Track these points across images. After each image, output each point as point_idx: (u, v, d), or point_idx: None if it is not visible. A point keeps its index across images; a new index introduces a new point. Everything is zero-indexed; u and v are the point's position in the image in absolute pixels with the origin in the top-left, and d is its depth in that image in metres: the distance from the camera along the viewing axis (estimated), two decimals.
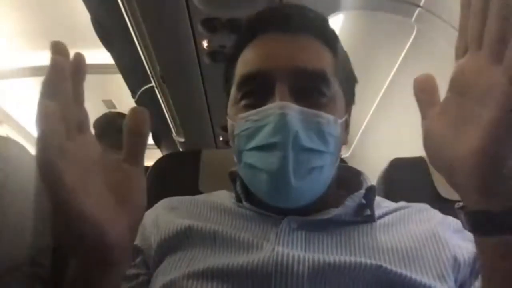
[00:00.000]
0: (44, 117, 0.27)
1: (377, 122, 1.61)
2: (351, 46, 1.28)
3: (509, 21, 0.31)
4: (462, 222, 0.36)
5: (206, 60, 1.29)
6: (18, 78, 2.39)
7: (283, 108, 0.48)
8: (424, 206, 0.58)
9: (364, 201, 0.55)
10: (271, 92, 0.51)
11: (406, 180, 0.96)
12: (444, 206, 0.57)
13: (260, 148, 0.50)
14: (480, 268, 0.39)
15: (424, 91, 0.38)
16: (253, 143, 0.51)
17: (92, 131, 0.79)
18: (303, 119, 0.49)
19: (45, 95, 0.30)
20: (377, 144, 1.72)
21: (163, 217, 0.58)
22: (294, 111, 0.48)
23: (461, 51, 0.36)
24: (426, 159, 0.51)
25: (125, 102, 2.13)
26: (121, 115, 1.63)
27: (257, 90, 0.53)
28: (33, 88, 2.51)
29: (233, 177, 0.62)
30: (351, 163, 0.68)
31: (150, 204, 0.53)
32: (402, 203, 0.60)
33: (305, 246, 0.49)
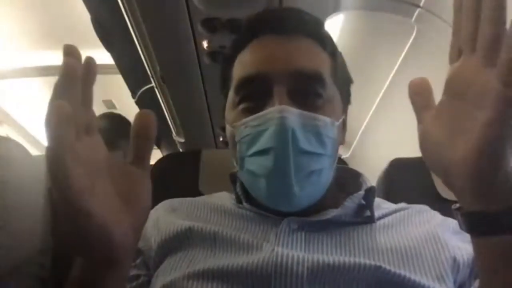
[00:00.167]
0: (56, 117, 0.28)
1: (377, 122, 1.61)
2: (351, 46, 1.28)
3: (501, 24, 0.31)
4: (459, 223, 0.36)
5: (206, 60, 1.29)
6: (18, 78, 2.39)
7: (282, 112, 0.48)
8: (424, 207, 0.59)
9: (363, 202, 0.55)
10: (269, 95, 0.51)
11: (406, 180, 0.96)
12: (444, 206, 0.57)
13: (261, 153, 0.50)
14: (478, 269, 0.40)
15: (419, 94, 0.39)
16: (254, 149, 0.51)
17: None
18: (302, 123, 0.49)
19: (57, 96, 0.30)
20: (377, 145, 1.72)
21: (164, 218, 0.58)
22: (293, 114, 0.49)
23: (455, 54, 0.36)
24: None
25: (125, 102, 2.13)
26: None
27: (255, 93, 0.53)
28: (34, 88, 2.51)
29: (233, 178, 0.62)
30: (351, 164, 0.68)
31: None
32: (402, 205, 0.60)
33: (304, 247, 0.49)
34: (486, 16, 0.31)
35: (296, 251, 0.48)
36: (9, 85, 2.49)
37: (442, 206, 0.59)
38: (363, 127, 1.71)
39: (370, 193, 0.55)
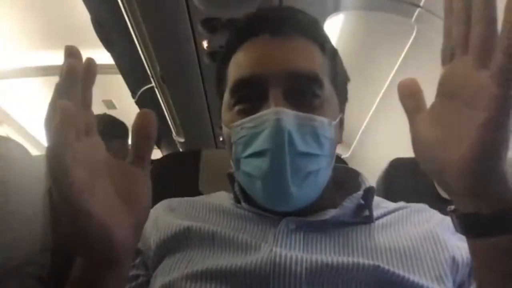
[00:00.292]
0: (58, 117, 0.28)
1: (377, 122, 1.61)
2: (351, 46, 1.28)
3: (493, 24, 0.31)
4: (454, 224, 0.36)
5: (206, 60, 1.29)
6: (18, 78, 2.40)
7: (278, 114, 0.48)
8: (423, 206, 0.58)
9: (362, 202, 0.55)
10: (264, 97, 0.50)
11: (406, 180, 0.96)
12: (444, 206, 0.57)
13: (257, 155, 0.50)
14: (474, 270, 0.40)
15: (409, 96, 0.39)
16: (249, 150, 0.50)
17: None
18: (298, 124, 0.49)
19: (58, 96, 0.31)
20: (377, 144, 1.72)
21: (163, 218, 0.58)
22: (289, 116, 0.48)
23: (447, 56, 0.36)
24: None
25: (125, 102, 2.13)
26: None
27: (251, 95, 0.52)
28: (34, 88, 2.51)
29: (232, 178, 0.62)
30: (351, 164, 0.68)
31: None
32: (401, 204, 0.60)
33: (303, 247, 0.49)
34: (477, 17, 0.31)
35: (295, 251, 0.48)
36: (9, 85, 2.50)
37: (442, 206, 0.59)
38: (363, 127, 1.71)
39: (369, 193, 0.55)
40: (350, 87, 0.63)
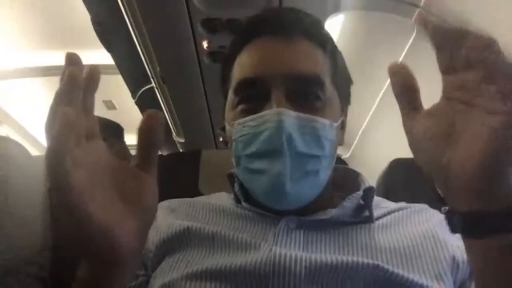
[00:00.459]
0: (58, 123, 0.28)
1: (377, 123, 1.61)
2: (351, 46, 1.28)
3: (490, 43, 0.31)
4: (451, 225, 0.36)
5: (206, 60, 1.29)
6: (18, 78, 2.40)
7: (280, 115, 0.49)
8: (424, 206, 0.58)
9: (362, 202, 0.55)
10: (267, 97, 0.51)
11: (406, 180, 0.96)
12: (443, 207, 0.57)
13: (257, 154, 0.50)
14: (474, 272, 0.39)
15: (405, 95, 0.38)
16: (250, 149, 0.51)
17: None
18: (299, 125, 0.49)
19: (59, 102, 0.31)
20: (377, 145, 1.72)
21: (162, 218, 0.58)
22: (290, 117, 0.49)
23: (445, 67, 0.35)
24: None
25: (125, 102, 2.13)
26: None
27: (254, 95, 0.53)
28: (34, 88, 2.51)
29: (232, 178, 0.62)
30: (351, 164, 0.68)
31: None
32: (401, 204, 0.60)
33: (303, 246, 0.49)
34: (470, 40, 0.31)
35: (294, 250, 0.48)
36: (9, 85, 2.50)
37: (442, 206, 0.59)
38: (363, 127, 1.71)
39: (369, 193, 0.55)
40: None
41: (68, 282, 0.38)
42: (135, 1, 1.05)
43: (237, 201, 0.59)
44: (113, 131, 1.47)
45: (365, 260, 0.46)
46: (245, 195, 0.58)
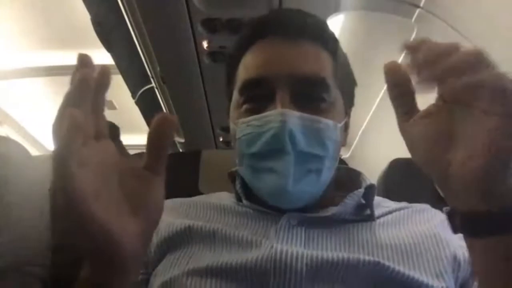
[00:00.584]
0: (66, 124, 0.28)
1: (377, 123, 1.61)
2: (351, 47, 1.28)
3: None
4: (453, 225, 0.35)
5: (206, 60, 1.29)
6: (18, 78, 2.40)
7: (284, 115, 0.49)
8: (425, 206, 0.59)
9: (363, 201, 0.56)
10: (272, 98, 0.51)
11: (406, 181, 0.95)
12: (444, 207, 0.57)
13: (261, 153, 0.51)
14: (475, 272, 0.39)
15: (396, 85, 0.38)
16: (254, 149, 0.51)
17: None
18: (303, 125, 0.50)
19: (68, 103, 0.31)
20: (377, 145, 1.72)
21: (163, 218, 0.58)
22: (294, 117, 0.49)
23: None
24: None
25: (125, 102, 2.13)
26: None
27: (259, 96, 0.53)
28: (34, 88, 2.51)
29: (233, 177, 0.62)
30: (351, 164, 0.68)
31: None
32: (403, 204, 0.60)
33: (304, 243, 0.49)
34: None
35: (295, 247, 0.48)
36: (9, 85, 2.50)
37: (442, 206, 0.59)
38: (363, 127, 1.71)
39: (370, 190, 0.55)
40: None
41: (68, 282, 0.38)
42: (135, 1, 1.05)
43: (238, 199, 0.59)
44: (109, 130, 1.47)
45: (366, 257, 0.46)
46: (246, 193, 0.58)
